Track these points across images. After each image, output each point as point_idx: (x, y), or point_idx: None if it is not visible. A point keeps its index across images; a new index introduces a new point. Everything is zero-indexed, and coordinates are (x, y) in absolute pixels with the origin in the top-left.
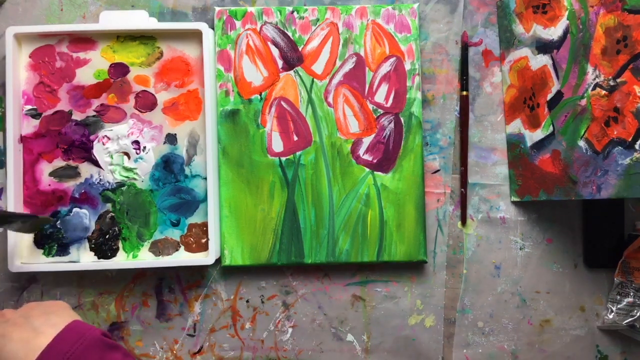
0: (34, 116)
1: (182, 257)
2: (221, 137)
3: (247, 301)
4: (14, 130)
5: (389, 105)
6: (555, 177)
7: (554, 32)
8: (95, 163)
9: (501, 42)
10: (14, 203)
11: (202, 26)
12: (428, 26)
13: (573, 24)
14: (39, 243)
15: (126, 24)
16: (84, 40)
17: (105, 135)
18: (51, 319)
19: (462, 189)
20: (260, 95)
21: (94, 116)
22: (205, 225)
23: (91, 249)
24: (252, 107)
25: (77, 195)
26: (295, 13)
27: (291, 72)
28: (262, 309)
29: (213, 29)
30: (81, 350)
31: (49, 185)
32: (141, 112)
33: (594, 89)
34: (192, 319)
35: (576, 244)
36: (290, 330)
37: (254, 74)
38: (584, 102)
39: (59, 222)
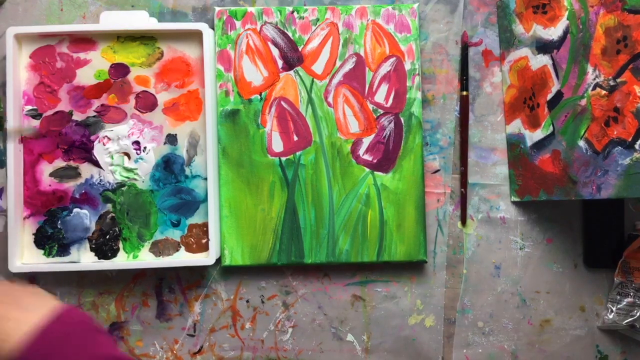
0: (34, 116)
1: (183, 258)
2: (221, 137)
3: (247, 301)
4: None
5: (389, 105)
6: (555, 177)
7: (554, 32)
8: (96, 163)
9: (501, 42)
10: (14, 203)
11: (203, 26)
12: (428, 26)
13: (573, 24)
14: (39, 243)
15: (126, 24)
16: (85, 40)
17: (106, 136)
18: (40, 299)
19: (462, 189)
20: (260, 95)
21: (94, 116)
22: (205, 225)
23: (91, 249)
24: (252, 107)
25: (77, 196)
26: (295, 13)
27: (291, 72)
28: (262, 309)
29: (213, 29)
30: (78, 331)
31: (50, 185)
32: (141, 112)
33: (594, 89)
34: (192, 319)
35: (576, 244)
36: (290, 330)
37: (254, 74)
38: (584, 102)
39: (59, 222)
